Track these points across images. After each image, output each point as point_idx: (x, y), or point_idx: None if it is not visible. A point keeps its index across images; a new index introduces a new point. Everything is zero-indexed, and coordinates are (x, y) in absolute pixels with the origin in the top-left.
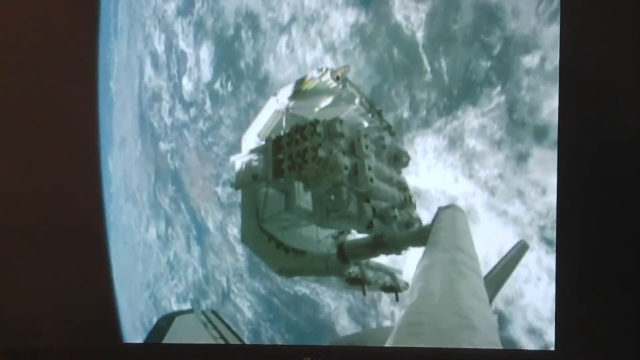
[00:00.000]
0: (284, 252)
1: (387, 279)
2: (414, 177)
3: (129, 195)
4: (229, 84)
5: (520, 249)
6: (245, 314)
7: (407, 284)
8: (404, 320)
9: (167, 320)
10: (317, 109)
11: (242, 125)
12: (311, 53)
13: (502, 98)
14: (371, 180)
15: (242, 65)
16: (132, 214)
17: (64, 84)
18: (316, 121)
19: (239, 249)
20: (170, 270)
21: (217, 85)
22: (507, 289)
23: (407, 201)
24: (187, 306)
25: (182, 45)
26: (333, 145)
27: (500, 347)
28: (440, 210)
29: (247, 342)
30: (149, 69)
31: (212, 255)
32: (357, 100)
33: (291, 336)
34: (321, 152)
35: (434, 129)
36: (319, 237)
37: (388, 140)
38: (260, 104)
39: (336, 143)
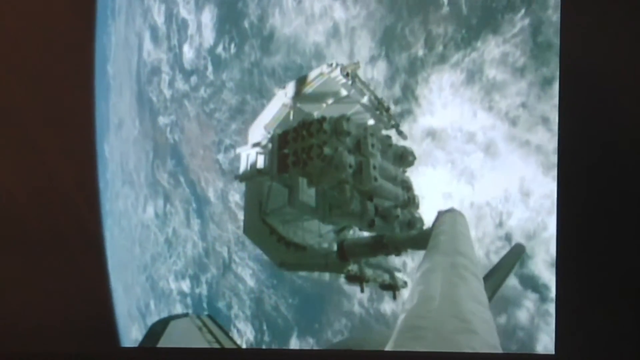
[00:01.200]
0: (285, 246)
1: (386, 277)
2: (429, 117)
3: (125, 178)
4: (232, 45)
5: (517, 252)
6: (247, 282)
7: (405, 283)
8: (404, 324)
9: (161, 325)
10: (324, 105)
11: (245, 87)
12: (319, 1)
13: (526, 21)
14: (375, 179)
15: (246, 24)
16: (129, 196)
17: (59, 77)
18: (323, 118)
19: (241, 215)
20: (168, 248)
21: (219, 49)
22: (529, 223)
23: (410, 200)
24: (185, 283)
25: (183, 12)
26: (339, 143)
27: (500, 350)
28: (441, 214)
29: (249, 317)
30: (147, 44)
31: (213, 226)
32: (365, 98)
33: (295, 300)
34: (327, 150)
35: (451, 64)
36: (321, 232)
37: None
38: (265, 62)
39: (342, 141)
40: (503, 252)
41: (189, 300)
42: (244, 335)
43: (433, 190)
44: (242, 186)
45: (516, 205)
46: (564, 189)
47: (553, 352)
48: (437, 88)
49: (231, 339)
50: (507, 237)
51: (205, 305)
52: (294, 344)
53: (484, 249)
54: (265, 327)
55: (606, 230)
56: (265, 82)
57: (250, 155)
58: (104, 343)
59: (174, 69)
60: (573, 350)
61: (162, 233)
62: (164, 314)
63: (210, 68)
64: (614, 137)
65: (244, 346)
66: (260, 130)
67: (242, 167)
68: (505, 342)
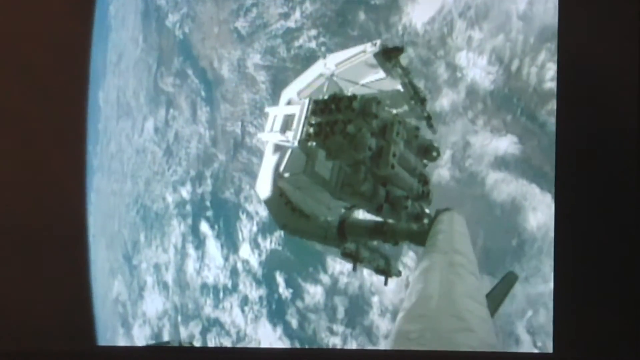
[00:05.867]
0: (291, 210)
1: (381, 262)
2: None
3: (122, 111)
4: None
5: (509, 281)
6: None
7: (400, 272)
8: (403, 324)
9: None
10: (361, 82)
11: None
12: None
13: None
14: (392, 166)
15: None
16: (125, 129)
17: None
18: (354, 96)
19: (260, 76)
20: (167, 160)
21: None
22: None
23: (423, 195)
24: (186, 189)
25: None
26: (364, 124)
27: (497, 348)
28: (439, 213)
29: None
30: None
31: (225, 106)
32: (402, 84)
33: None
34: (350, 128)
35: None
36: (331, 205)
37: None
38: None
39: (367, 122)
40: None
41: (188, 208)
42: (255, 216)
43: None
44: (262, 46)
45: None
46: (561, 189)
47: (551, 351)
48: None
49: None
50: None
51: (208, 203)
52: None
53: None
54: None
55: (604, 229)
56: None
57: (278, 117)
58: (81, 342)
59: None
60: (571, 349)
61: (160, 147)
62: (155, 242)
63: None
64: (613, 136)
65: (254, 226)
66: (293, 94)
67: (268, 126)
68: (503, 340)
